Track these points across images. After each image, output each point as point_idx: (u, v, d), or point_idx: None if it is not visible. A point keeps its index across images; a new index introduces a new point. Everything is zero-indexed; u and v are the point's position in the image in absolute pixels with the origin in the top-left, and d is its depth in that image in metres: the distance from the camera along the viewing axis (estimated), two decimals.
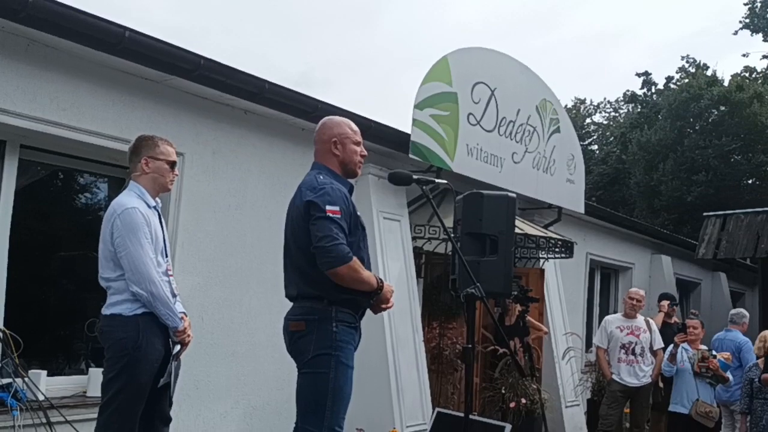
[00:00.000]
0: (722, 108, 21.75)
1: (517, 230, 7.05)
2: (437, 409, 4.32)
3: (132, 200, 3.44)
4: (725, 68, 49.33)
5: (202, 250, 5.38)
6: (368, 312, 3.48)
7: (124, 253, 3.33)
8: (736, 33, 22.84)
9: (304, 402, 3.21)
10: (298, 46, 53.55)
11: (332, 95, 50.72)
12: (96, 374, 4.59)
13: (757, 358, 6.73)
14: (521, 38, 52.44)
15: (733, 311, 8.16)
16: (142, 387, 3.34)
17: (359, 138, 3.47)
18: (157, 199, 3.61)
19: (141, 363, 3.31)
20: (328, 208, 3.11)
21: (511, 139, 8.00)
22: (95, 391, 4.43)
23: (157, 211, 3.58)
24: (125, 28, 4.42)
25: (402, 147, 6.61)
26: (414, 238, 7.13)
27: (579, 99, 32.92)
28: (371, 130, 6.18)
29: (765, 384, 6.04)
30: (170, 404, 3.59)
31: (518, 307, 7.02)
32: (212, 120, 5.50)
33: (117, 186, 5.22)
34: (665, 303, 8.18)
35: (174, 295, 3.54)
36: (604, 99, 37.44)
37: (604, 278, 11.88)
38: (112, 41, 4.42)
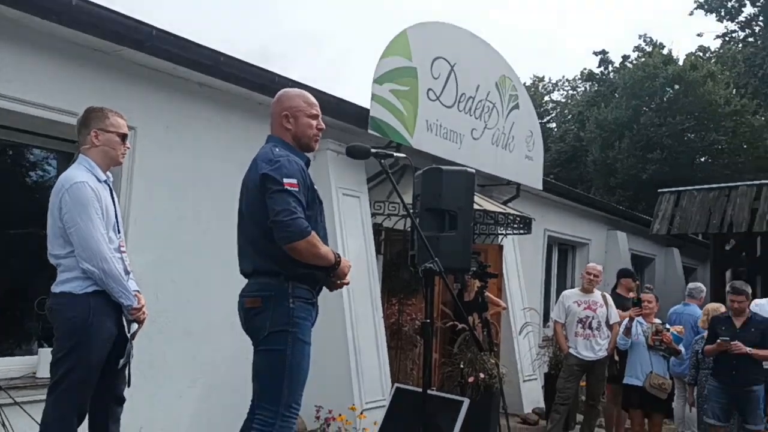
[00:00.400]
0: (677, 87, 22.11)
1: (476, 206, 7.06)
2: (396, 385, 4.31)
3: (81, 174, 3.32)
4: (681, 48, 50.13)
5: (155, 227, 5.26)
6: (327, 290, 3.43)
7: (74, 229, 3.22)
8: (691, 13, 23.09)
9: (261, 380, 3.15)
10: (255, 21, 52.72)
11: (290, 71, 50.05)
12: (46, 354, 4.45)
13: (703, 330, 6.89)
14: (481, 14, 52.41)
15: (692, 285, 8.32)
16: (92, 367, 3.25)
17: (315, 111, 3.36)
18: (108, 173, 3.49)
19: (91, 342, 3.22)
20: (285, 180, 3.02)
21: (471, 115, 7.99)
22: (45, 371, 4.31)
23: (108, 185, 3.46)
24: None
25: (361, 122, 6.54)
26: (373, 215, 7.09)
27: (537, 77, 33.14)
28: (330, 105, 6.09)
29: (707, 355, 6.20)
30: (129, 384, 3.51)
31: (477, 283, 7.06)
32: (165, 93, 5.35)
33: (67, 161, 5.04)
34: (628, 281, 8.21)
35: (127, 273, 3.44)
36: (563, 77, 37.80)
37: (562, 254, 12.04)
38: (58, 10, 4.25)
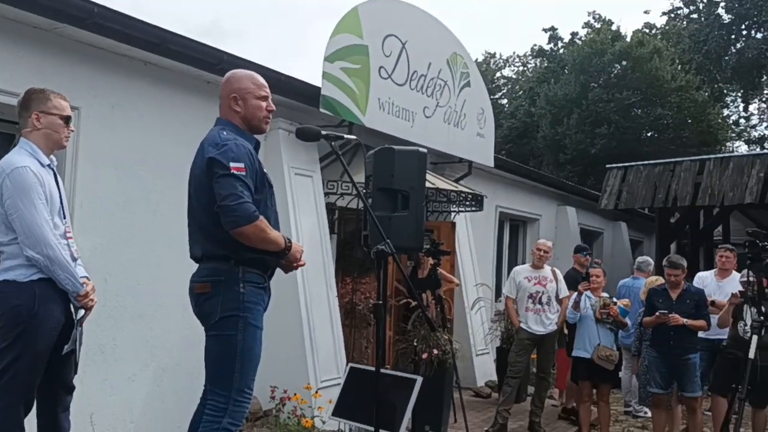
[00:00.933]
0: (624, 63, 22.49)
1: (428, 184, 7.10)
2: (350, 365, 4.34)
3: (23, 158, 3.22)
4: (629, 24, 50.86)
5: (103, 209, 5.14)
6: (281, 270, 3.41)
7: (16, 215, 3.13)
8: None
9: (213, 365, 3.13)
10: None
11: (244, 46, 49.26)
12: None
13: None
14: None
15: (640, 259, 8.53)
16: (39, 356, 3.18)
17: (264, 92, 3.30)
18: (52, 156, 3.39)
19: (37, 331, 3.16)
20: (232, 165, 2.98)
21: (423, 93, 7.99)
22: None
23: (52, 169, 3.36)
24: None
25: (313, 101, 6.48)
26: (326, 194, 7.06)
27: (489, 53, 33.38)
28: (280, 83, 6.02)
29: (646, 327, 6.40)
30: (75, 371, 3.45)
31: (430, 260, 7.11)
32: (110, 72, 5.20)
33: (4, 142, 4.88)
34: (577, 256, 8.39)
35: (74, 259, 3.36)
36: (514, 53, 38.14)
37: (513, 230, 12.22)
38: None
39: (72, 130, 3.47)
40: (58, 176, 3.42)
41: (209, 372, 3.14)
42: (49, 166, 3.33)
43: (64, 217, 3.38)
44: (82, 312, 3.37)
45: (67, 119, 3.40)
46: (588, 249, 8.83)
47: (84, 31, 4.73)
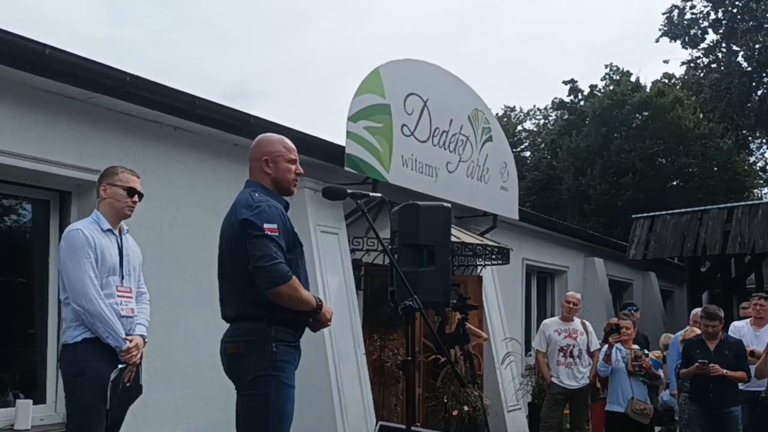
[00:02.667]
0: (645, 113, 22.56)
1: (453, 238, 7.11)
2: (380, 423, 4.30)
3: (81, 224, 3.56)
4: (648, 74, 51.23)
5: None
6: (308, 329, 3.44)
7: (64, 271, 3.44)
8: (657, 41, 23.60)
9: (246, 425, 3.13)
10: (234, 55, 53.05)
11: (269, 106, 50.38)
12: (23, 406, 4.42)
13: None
14: (452, 47, 53.25)
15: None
16: (91, 411, 3.36)
17: (294, 156, 3.40)
18: (122, 224, 3.68)
19: (84, 388, 3.35)
20: (266, 226, 3.04)
21: (445, 149, 8.08)
22: (24, 423, 4.30)
23: (115, 234, 3.62)
24: (45, 46, 4.27)
25: (337, 159, 6.59)
26: (352, 251, 7.10)
27: (509, 107, 33.66)
28: (305, 143, 6.14)
29: (682, 378, 6.24)
30: (115, 425, 3.54)
31: (458, 315, 7.08)
32: (140, 138, 5.36)
33: (41, 208, 5.03)
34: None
35: (123, 317, 3.52)
36: (534, 106, 38.35)
37: (540, 282, 12.11)
38: (32, 59, 4.27)
39: (136, 202, 3.73)
40: (125, 241, 3.68)
41: (242, 431, 3.14)
42: (110, 231, 3.58)
43: (123, 278, 3.59)
44: (118, 368, 3.45)
45: (129, 190, 3.68)
46: (634, 305, 8.64)
47: (117, 99, 4.91)
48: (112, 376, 3.43)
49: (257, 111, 5.95)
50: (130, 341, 3.50)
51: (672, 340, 7.87)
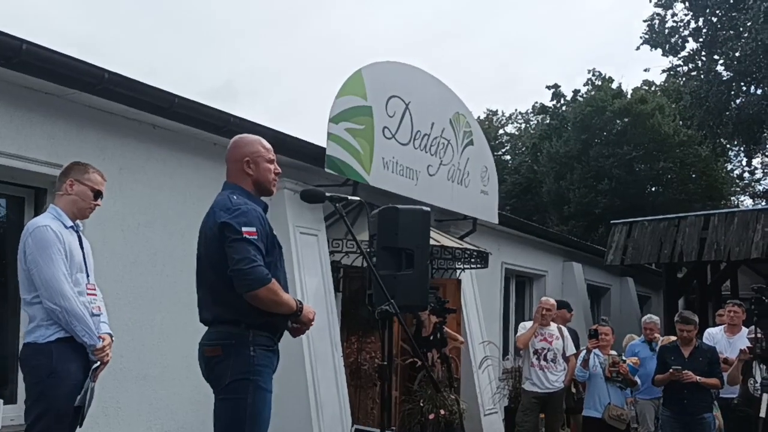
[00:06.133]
0: (626, 119, 22.77)
1: (433, 242, 7.13)
2: (355, 426, 4.29)
3: (45, 219, 3.46)
4: (630, 81, 51.71)
5: (109, 270, 5.14)
6: (287, 333, 3.42)
7: (36, 270, 3.32)
8: (638, 48, 23.82)
9: (222, 428, 3.11)
10: (221, 56, 52.73)
11: (257, 106, 50.18)
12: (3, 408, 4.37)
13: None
14: (436, 51, 53.36)
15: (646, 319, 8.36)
16: (61, 414, 3.30)
17: (272, 156, 3.38)
18: (77, 221, 3.59)
19: (57, 390, 3.28)
20: (244, 229, 3.02)
21: (426, 152, 8.09)
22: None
23: (76, 231, 3.56)
24: (22, 41, 4.21)
25: (318, 161, 6.57)
26: (332, 252, 7.09)
27: (491, 110, 33.83)
28: (286, 144, 6.12)
29: (657, 385, 6.28)
30: (80, 424, 3.50)
31: (433, 318, 7.08)
32: (119, 135, 5.30)
33: (16, 205, 4.96)
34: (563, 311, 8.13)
35: (94, 314, 3.47)
36: (516, 110, 38.59)
37: (519, 286, 12.17)
38: (8, 54, 4.21)
39: (98, 205, 3.66)
40: (83, 238, 3.61)
41: None
42: (72, 227, 3.52)
43: (88, 275, 3.54)
44: (97, 364, 3.45)
45: (96, 193, 3.62)
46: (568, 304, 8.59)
47: (95, 96, 4.85)
48: (93, 367, 3.41)
49: (245, 110, 5.98)
50: (103, 339, 3.46)
51: (628, 346, 7.96)
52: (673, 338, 6.79)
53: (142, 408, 5.37)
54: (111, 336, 3.56)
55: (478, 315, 9.23)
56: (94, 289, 3.56)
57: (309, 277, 6.55)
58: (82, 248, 3.53)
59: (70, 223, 3.50)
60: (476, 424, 8.27)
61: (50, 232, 3.35)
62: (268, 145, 3.40)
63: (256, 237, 3.04)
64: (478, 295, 9.37)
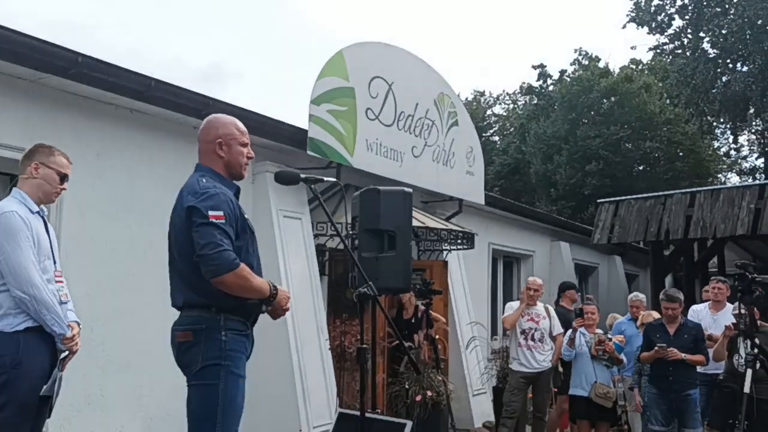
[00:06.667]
0: (612, 99, 22.74)
1: (419, 223, 7.10)
2: (339, 410, 4.27)
3: (11, 204, 3.33)
4: (617, 60, 51.65)
5: (88, 257, 5.10)
6: (270, 317, 3.36)
7: (3, 257, 3.21)
8: (624, 26, 23.77)
9: (194, 415, 3.05)
10: (208, 38, 52.16)
11: (243, 87, 49.73)
12: None
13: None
14: (421, 31, 53.04)
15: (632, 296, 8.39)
16: (25, 405, 3.19)
17: (246, 139, 3.30)
18: (42, 206, 3.48)
19: (22, 380, 3.17)
20: (210, 213, 2.95)
21: (410, 133, 8.03)
22: None
23: (42, 217, 3.45)
24: None
25: (300, 144, 6.50)
26: (316, 236, 7.04)
27: (479, 91, 33.71)
28: (267, 127, 6.05)
29: (643, 363, 6.32)
30: (49, 415, 3.42)
31: (414, 300, 7.05)
32: (95, 120, 5.22)
33: None
34: (572, 292, 8.19)
35: (63, 303, 3.39)
36: (503, 91, 38.50)
37: (507, 266, 12.17)
38: None
39: (64, 188, 3.56)
40: (48, 223, 3.51)
41: (191, 422, 3.06)
42: (38, 213, 3.41)
43: (55, 262, 3.43)
44: (65, 353, 3.36)
45: (63, 177, 3.51)
46: (576, 285, 8.70)
47: (68, 80, 4.76)
48: (61, 357, 3.33)
49: (231, 92, 5.90)
50: (72, 328, 3.38)
51: (615, 324, 7.99)
52: (654, 313, 6.80)
53: (126, 395, 5.33)
54: (78, 324, 3.48)
55: (466, 296, 9.22)
56: (62, 276, 3.47)
57: (293, 260, 6.50)
58: (48, 234, 3.43)
59: (36, 208, 3.40)
60: (465, 405, 8.29)
61: (17, 217, 3.24)
62: (243, 128, 3.31)
63: (223, 221, 2.96)
64: (465, 276, 9.36)
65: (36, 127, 4.74)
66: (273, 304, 3.16)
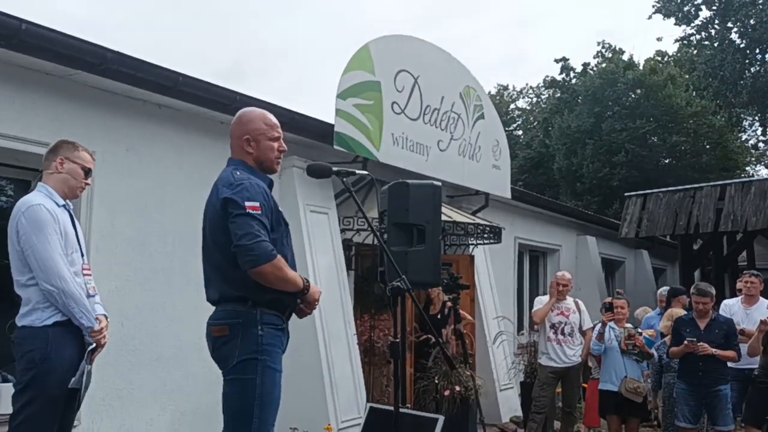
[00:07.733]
0: (638, 91, 22.44)
1: (445, 218, 7.04)
2: (369, 405, 4.24)
3: (38, 198, 3.35)
4: (642, 52, 50.98)
5: (118, 253, 5.13)
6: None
7: (31, 250, 3.22)
8: (650, 17, 23.42)
9: (231, 410, 3.04)
10: (230, 36, 52.42)
11: (266, 84, 49.90)
12: (6, 389, 4.33)
13: (663, 336, 6.89)
14: (444, 26, 52.80)
15: (663, 290, 8.23)
16: (52, 399, 3.21)
17: (276, 132, 3.26)
18: (67, 200, 3.49)
19: (50, 375, 3.19)
20: (247, 204, 2.93)
21: (437, 127, 7.98)
22: (6, 407, 4.20)
23: (68, 210, 3.46)
24: (21, 20, 4.14)
25: (326, 138, 6.48)
26: (343, 230, 7.02)
27: (502, 85, 33.52)
28: (293, 121, 6.03)
29: (673, 357, 6.22)
30: (78, 408, 3.45)
31: (443, 297, 7.01)
32: (124, 116, 5.24)
33: (21, 188, 4.92)
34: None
35: (91, 296, 3.41)
36: (527, 85, 38.21)
37: (533, 261, 12.08)
38: (6, 34, 4.13)
39: (88, 183, 3.59)
40: (74, 217, 3.52)
41: (228, 417, 3.05)
42: (64, 206, 3.43)
43: (82, 255, 3.46)
44: (93, 345, 3.37)
45: (87, 171, 3.54)
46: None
47: (98, 76, 4.78)
48: (89, 349, 3.34)
49: (254, 91, 5.84)
50: (100, 321, 3.39)
51: (644, 319, 7.84)
52: (681, 311, 6.69)
53: (156, 390, 5.36)
54: (106, 317, 3.49)
55: (492, 290, 9.17)
56: (89, 269, 3.49)
57: (320, 255, 6.50)
58: (75, 227, 3.45)
59: (62, 201, 3.41)
60: (492, 400, 8.24)
61: (44, 211, 3.25)
62: (273, 121, 3.28)
63: (259, 212, 2.95)
64: (492, 271, 9.30)
65: (66, 124, 4.77)
66: (305, 298, 3.14)
